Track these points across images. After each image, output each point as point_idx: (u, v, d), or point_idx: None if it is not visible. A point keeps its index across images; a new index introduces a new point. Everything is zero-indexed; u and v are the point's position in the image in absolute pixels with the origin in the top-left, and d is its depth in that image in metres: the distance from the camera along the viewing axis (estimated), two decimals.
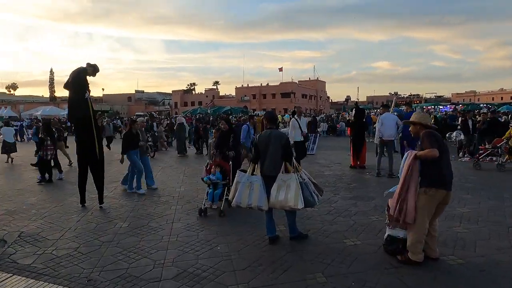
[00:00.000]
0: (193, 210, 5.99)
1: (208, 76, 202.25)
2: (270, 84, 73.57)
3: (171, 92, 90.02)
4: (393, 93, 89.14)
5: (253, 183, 4.04)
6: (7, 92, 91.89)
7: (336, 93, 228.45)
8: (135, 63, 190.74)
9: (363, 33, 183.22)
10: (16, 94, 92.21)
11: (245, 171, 4.33)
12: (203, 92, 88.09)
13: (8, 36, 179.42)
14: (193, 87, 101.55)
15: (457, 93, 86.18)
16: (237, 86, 77.18)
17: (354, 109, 10.07)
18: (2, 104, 55.28)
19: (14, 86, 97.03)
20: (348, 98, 66.95)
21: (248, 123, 10.52)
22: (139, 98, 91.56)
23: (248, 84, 76.93)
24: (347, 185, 7.75)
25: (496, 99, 66.21)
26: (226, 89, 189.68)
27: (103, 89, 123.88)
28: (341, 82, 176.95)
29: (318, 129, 25.21)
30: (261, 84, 75.32)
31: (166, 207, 6.28)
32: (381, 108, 9.86)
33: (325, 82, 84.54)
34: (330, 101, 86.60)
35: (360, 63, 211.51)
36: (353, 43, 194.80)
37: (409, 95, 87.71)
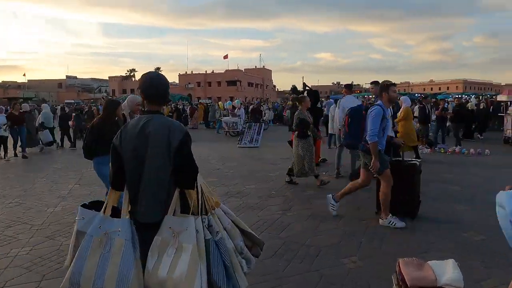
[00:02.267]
0: None
1: (152, 63, 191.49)
2: (216, 72, 70.68)
3: (107, 79, 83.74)
4: (335, 83, 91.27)
5: (112, 239, 1.80)
6: None
7: (283, 82, 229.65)
8: (70, 47, 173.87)
9: (309, 24, 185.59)
10: None
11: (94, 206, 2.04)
12: None
13: None
14: (133, 74, 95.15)
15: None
16: (181, 73, 73.21)
17: (304, 91, 8.15)
18: None
19: None
20: (294, 87, 66.43)
21: None
22: (71, 85, 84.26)
23: (192, 71, 73.29)
24: (300, 193, 5.81)
25: (427, 90, 70.51)
26: (170, 77, 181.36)
27: (24, 75, 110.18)
28: (288, 71, 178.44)
29: (264, 118, 23.43)
30: (206, 71, 72.13)
31: None
32: (343, 89, 7.79)
33: (271, 71, 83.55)
34: (276, 90, 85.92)
35: (305, 54, 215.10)
36: (299, 33, 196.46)
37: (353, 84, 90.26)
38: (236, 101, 18.75)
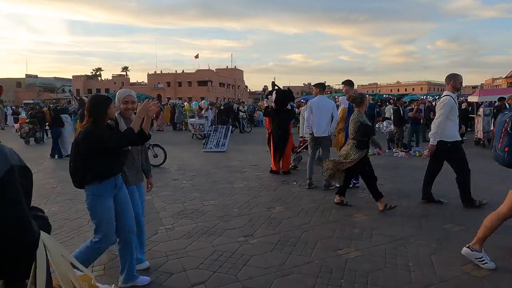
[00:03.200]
0: None
1: (120, 62, 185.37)
2: (186, 72, 68.94)
3: (71, 78, 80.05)
4: (306, 83, 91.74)
5: None
6: None
7: (254, 83, 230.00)
8: (31, 44, 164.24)
9: (280, 26, 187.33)
10: None
11: None
12: (111, 78, 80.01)
13: None
14: (98, 73, 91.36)
15: (362, 85, 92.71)
16: (150, 73, 70.83)
17: (273, 91, 7.32)
18: None
19: None
20: (265, 88, 65.44)
21: None
22: (31, 84, 79.64)
23: (162, 71, 71.12)
24: (266, 211, 4.96)
25: (394, 91, 72.49)
26: (139, 77, 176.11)
27: None
28: (259, 72, 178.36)
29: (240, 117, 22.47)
30: (176, 71, 70.18)
31: None
32: (313, 88, 6.90)
33: (243, 71, 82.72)
34: (248, 90, 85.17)
35: (276, 54, 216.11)
36: (270, 34, 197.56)
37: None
38: (203, 101, 17.70)
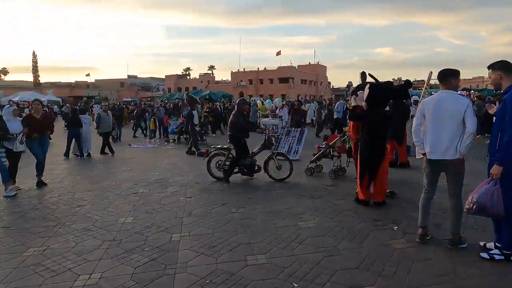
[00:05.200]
0: None
1: (206, 62, 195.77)
2: (268, 69, 68.24)
3: (164, 77, 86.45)
4: (396, 79, 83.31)
5: None
6: None
7: (337, 79, 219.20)
8: (133, 49, 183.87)
9: (367, 18, 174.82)
10: (5, 79, 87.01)
11: None
12: (198, 77, 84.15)
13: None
14: (188, 72, 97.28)
15: (464, 79, 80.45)
16: (233, 71, 72.06)
17: (364, 85, 5.08)
18: None
19: (4, 71, 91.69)
20: (350, 84, 60.40)
21: None
22: (132, 84, 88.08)
23: (244, 69, 71.74)
24: None
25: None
26: (224, 75, 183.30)
27: (87, 75, 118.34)
28: (343, 68, 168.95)
29: (313, 118, 20.22)
30: (258, 68, 70.03)
31: None
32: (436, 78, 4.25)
33: (326, 67, 78.81)
34: (331, 87, 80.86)
35: (361, 49, 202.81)
36: (355, 28, 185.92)
37: (413, 81, 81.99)
38: (277, 99, 15.95)
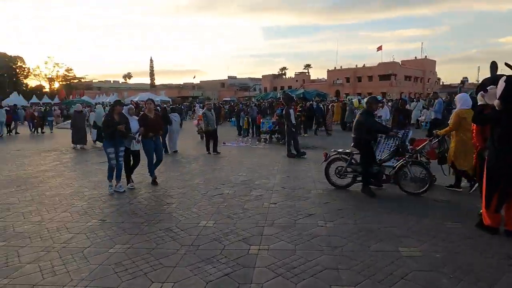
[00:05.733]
0: None
1: (303, 61, 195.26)
2: (367, 65, 64.31)
3: (261, 77, 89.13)
4: None
5: None
6: (123, 81, 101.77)
7: (449, 75, 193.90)
8: (233, 51, 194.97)
9: (489, 3, 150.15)
10: (129, 82, 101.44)
11: None
12: (293, 76, 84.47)
13: (125, 33, 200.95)
14: (283, 72, 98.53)
15: None
16: (329, 69, 70.04)
17: (502, 79, 3.87)
18: (110, 90, 62.34)
19: (129, 75, 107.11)
20: (464, 80, 51.68)
21: None
22: (231, 84, 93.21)
23: (341, 66, 69.06)
24: None
25: None
26: (320, 74, 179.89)
27: (194, 77, 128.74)
28: (456, 62, 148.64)
29: (420, 119, 17.96)
30: (356, 65, 66.54)
31: None
32: None
33: (435, 62, 70.42)
34: (441, 83, 71.87)
35: (481, 39, 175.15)
36: (474, 15, 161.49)
37: None
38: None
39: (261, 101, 31.33)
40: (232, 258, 3.62)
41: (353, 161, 6.27)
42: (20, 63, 65.10)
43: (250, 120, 16.57)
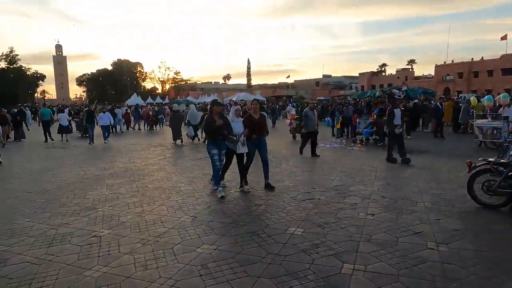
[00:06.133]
0: None
1: (406, 56, 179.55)
2: (486, 58, 55.62)
3: (358, 75, 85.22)
4: None
5: None
6: (223, 82, 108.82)
7: None
8: (328, 49, 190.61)
9: None
10: (228, 83, 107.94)
11: None
12: (394, 73, 78.37)
13: (224, 35, 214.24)
14: (383, 69, 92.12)
15: None
16: (438, 64, 62.75)
17: None
18: (211, 91, 67.47)
19: (228, 77, 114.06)
20: None
21: None
22: (326, 83, 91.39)
23: (452, 61, 61.18)
24: None
25: None
26: (426, 70, 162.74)
27: (287, 77, 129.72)
28: None
29: None
30: (472, 59, 58.07)
31: None
32: None
33: None
34: None
35: None
36: None
37: None
38: (501, 95, 12.14)
39: (358, 99, 29.67)
40: (321, 276, 3.22)
41: (510, 173, 4.98)
42: (140, 68, 74.83)
43: (344, 119, 15.66)
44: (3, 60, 66.90)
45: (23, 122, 19.10)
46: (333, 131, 16.60)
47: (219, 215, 5.12)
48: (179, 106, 19.77)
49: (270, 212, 5.15)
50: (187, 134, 14.96)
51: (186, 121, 15.04)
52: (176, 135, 14.40)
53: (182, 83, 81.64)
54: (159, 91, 74.69)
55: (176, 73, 78.11)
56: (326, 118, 20.77)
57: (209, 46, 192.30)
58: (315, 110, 11.10)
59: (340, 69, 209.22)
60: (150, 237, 4.33)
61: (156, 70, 78.18)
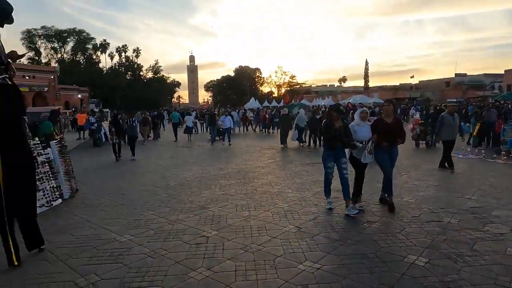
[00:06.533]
0: None
1: None
2: None
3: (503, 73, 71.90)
4: None
5: None
6: (338, 84, 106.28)
7: None
8: (462, 44, 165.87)
9: None
10: (344, 86, 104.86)
11: None
12: None
13: (346, 35, 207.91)
14: None
15: None
16: None
17: None
18: (325, 94, 66.76)
19: (343, 79, 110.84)
20: None
21: None
22: (459, 83, 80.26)
23: None
24: None
25: None
26: None
27: (411, 77, 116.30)
28: None
29: None
30: None
31: None
32: None
33: None
34: None
35: None
36: None
37: None
38: None
39: (503, 102, 24.80)
40: None
41: None
42: (258, 73, 79.17)
43: (485, 125, 13.10)
44: (150, 71, 79.91)
45: (161, 124, 22.26)
46: (469, 139, 14.11)
47: (326, 228, 4.73)
48: (290, 110, 19.94)
49: (385, 232, 4.50)
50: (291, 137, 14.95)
51: (295, 124, 15.07)
52: (283, 138, 14.61)
53: (297, 86, 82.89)
54: (275, 94, 77.56)
55: (292, 77, 79.87)
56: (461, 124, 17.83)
57: (324, 48, 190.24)
58: (455, 114, 9.07)
59: (479, 66, 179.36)
60: (254, 244, 4.25)
61: (273, 75, 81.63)
